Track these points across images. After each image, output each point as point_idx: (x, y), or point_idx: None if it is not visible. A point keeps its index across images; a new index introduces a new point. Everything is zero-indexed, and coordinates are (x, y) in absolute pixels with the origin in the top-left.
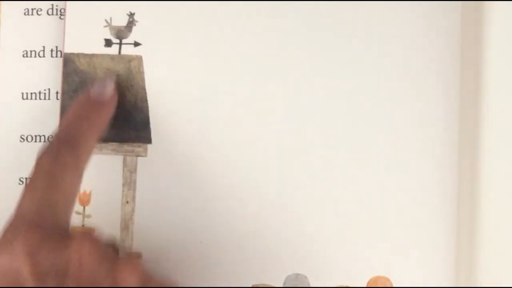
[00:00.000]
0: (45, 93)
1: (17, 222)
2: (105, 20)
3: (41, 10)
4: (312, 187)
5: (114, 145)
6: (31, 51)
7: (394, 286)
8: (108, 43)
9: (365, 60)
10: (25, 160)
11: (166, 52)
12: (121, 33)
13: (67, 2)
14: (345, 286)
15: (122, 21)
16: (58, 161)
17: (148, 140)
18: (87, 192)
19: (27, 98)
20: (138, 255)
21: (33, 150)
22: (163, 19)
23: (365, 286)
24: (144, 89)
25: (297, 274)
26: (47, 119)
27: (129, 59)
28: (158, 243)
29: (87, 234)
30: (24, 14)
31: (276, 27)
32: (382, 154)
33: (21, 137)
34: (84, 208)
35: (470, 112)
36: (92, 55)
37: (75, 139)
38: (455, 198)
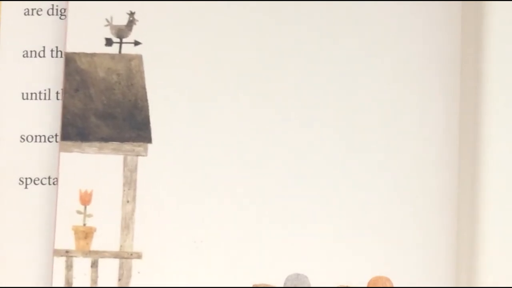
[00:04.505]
0: (45, 93)
1: None
2: (106, 19)
3: (41, 10)
4: (312, 187)
5: (114, 144)
6: (31, 51)
7: (394, 286)
8: (109, 42)
9: (365, 60)
10: (25, 160)
11: (166, 51)
12: (121, 32)
13: (68, 2)
14: (345, 286)
15: (123, 21)
16: None
17: (149, 140)
18: (88, 191)
19: (27, 98)
20: (139, 255)
21: (33, 150)
22: (163, 18)
23: (365, 286)
24: (144, 88)
25: (298, 274)
26: (47, 119)
27: (130, 58)
28: (158, 243)
29: None
30: (24, 14)
31: (276, 26)
32: (382, 154)
33: (21, 137)
34: (85, 207)
35: (470, 112)
36: (93, 54)
37: None
38: (455, 198)
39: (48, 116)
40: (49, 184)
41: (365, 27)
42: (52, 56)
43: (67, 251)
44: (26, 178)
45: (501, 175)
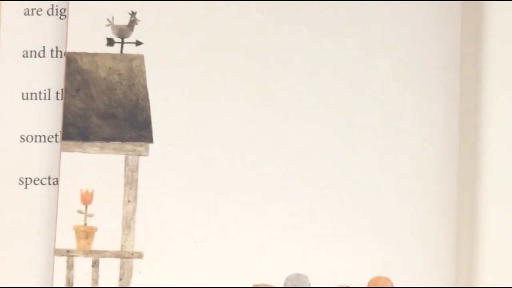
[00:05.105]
0: (45, 93)
1: None
2: (107, 19)
3: (41, 10)
4: (313, 187)
5: (115, 144)
6: (31, 51)
7: (394, 286)
8: (110, 42)
9: (365, 60)
10: (25, 160)
11: (168, 51)
12: (123, 32)
13: (69, 1)
14: (345, 286)
15: (124, 20)
16: None
17: (150, 139)
18: (90, 191)
19: (27, 98)
20: (140, 254)
21: (33, 150)
22: (164, 18)
23: (365, 286)
24: (145, 88)
25: (298, 274)
26: (47, 119)
27: (131, 58)
28: (159, 242)
29: None
30: (24, 14)
31: (276, 26)
32: (382, 154)
33: (21, 137)
34: (86, 207)
35: (470, 113)
36: (94, 54)
37: None
38: (455, 198)
39: (48, 116)
40: (49, 184)
41: (365, 27)
42: (52, 56)
43: (68, 251)
44: (26, 178)
45: (501, 175)
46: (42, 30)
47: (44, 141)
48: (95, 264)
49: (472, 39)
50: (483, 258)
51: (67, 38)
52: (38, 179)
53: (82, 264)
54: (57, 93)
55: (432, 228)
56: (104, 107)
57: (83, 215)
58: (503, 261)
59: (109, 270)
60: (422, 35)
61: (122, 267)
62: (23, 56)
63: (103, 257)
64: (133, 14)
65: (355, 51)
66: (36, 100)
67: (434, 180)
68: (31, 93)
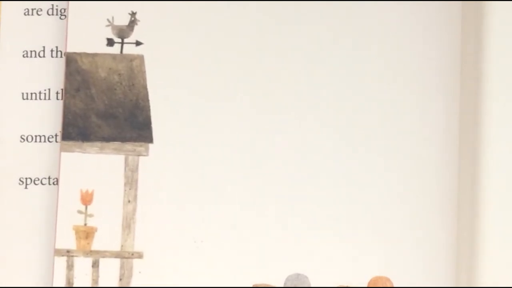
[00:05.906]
0: (45, 93)
1: None
2: (107, 19)
3: (41, 10)
4: (312, 187)
5: (115, 144)
6: (31, 51)
7: (394, 286)
8: (110, 42)
9: (365, 60)
10: (25, 160)
11: (168, 51)
12: (123, 33)
13: (69, 1)
14: (345, 286)
15: (124, 21)
16: None
17: (150, 140)
18: (89, 191)
19: (27, 98)
20: (140, 254)
21: (33, 150)
22: (164, 18)
23: (365, 286)
24: (145, 88)
25: (298, 274)
26: (47, 119)
27: (131, 58)
28: (159, 242)
29: None
30: (24, 14)
31: (276, 26)
32: (382, 154)
33: (21, 137)
34: (86, 207)
35: (470, 113)
36: (94, 55)
37: None
38: (455, 198)
39: (48, 116)
40: (49, 184)
41: (365, 27)
42: (52, 56)
43: (68, 251)
44: (26, 178)
45: (501, 175)
46: (42, 30)
47: (44, 141)
48: (95, 264)
49: (472, 39)
50: (483, 258)
51: (67, 38)
52: (38, 179)
53: (82, 264)
54: (57, 93)
55: (432, 228)
56: (104, 107)
57: (83, 215)
58: (503, 261)
59: (109, 270)
60: (422, 35)
61: (122, 267)
62: (23, 56)
63: (103, 257)
64: (133, 14)
65: (355, 51)
66: (36, 100)
67: (434, 180)
68: (31, 93)
